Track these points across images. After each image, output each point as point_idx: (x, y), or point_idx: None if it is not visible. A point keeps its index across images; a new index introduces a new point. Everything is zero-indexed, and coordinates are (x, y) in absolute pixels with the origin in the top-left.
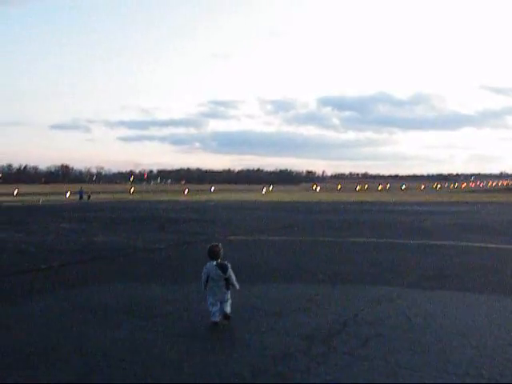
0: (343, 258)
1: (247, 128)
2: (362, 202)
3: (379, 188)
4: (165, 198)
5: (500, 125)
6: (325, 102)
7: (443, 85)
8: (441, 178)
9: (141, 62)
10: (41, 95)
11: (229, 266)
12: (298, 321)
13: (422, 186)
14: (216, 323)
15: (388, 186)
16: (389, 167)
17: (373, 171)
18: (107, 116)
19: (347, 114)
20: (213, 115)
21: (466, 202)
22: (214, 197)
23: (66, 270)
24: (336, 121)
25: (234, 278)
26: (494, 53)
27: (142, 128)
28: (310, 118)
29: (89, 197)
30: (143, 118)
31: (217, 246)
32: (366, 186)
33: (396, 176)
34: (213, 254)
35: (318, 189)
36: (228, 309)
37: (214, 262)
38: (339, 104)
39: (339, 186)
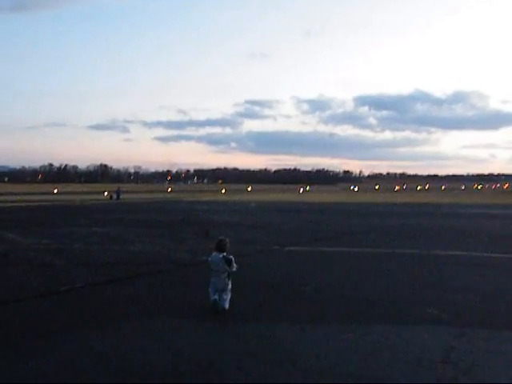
0: (447, 280)
1: (283, 128)
2: (412, 204)
3: (418, 188)
4: (203, 198)
5: None
6: (362, 101)
7: (484, 82)
8: (481, 178)
9: (177, 63)
10: (79, 96)
11: (233, 259)
12: None
13: (462, 187)
14: (215, 300)
15: (427, 186)
16: (427, 167)
17: (411, 171)
18: (144, 116)
19: (384, 113)
20: (249, 115)
21: None
22: (253, 197)
23: (89, 295)
24: (373, 120)
25: (236, 267)
26: None
27: (178, 128)
28: (347, 118)
29: (118, 196)
30: (180, 118)
31: (224, 239)
32: (405, 186)
33: (435, 176)
34: (220, 247)
35: (356, 189)
36: (226, 304)
37: (221, 255)
38: (376, 103)
39: (377, 186)
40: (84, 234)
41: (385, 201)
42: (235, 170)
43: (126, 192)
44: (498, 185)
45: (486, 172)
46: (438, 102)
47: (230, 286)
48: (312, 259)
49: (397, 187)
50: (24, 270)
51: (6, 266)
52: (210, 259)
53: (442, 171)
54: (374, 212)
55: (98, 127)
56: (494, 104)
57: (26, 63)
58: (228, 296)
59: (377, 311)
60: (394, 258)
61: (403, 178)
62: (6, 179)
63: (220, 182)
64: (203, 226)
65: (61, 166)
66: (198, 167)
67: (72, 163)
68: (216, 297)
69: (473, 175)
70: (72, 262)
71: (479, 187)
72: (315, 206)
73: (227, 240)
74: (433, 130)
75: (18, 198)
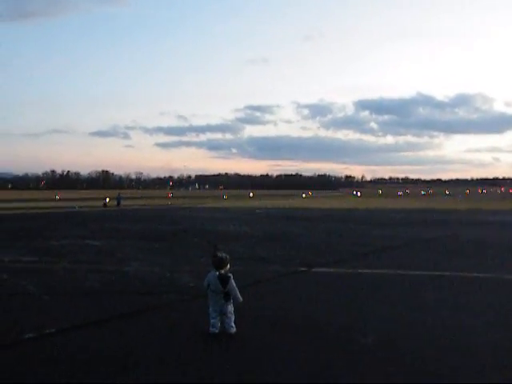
0: None
1: (284, 133)
2: (429, 211)
3: (422, 193)
4: (205, 204)
5: None
6: (363, 105)
7: (487, 84)
8: (485, 182)
9: (177, 69)
10: (81, 103)
11: (231, 277)
12: None
13: (467, 191)
14: (214, 334)
15: (431, 191)
16: (430, 172)
17: (414, 176)
18: (145, 122)
19: (386, 117)
20: (249, 120)
21: None
22: (256, 203)
23: (56, 347)
24: (374, 125)
25: (235, 290)
26: None
27: (179, 134)
28: (348, 122)
29: (118, 203)
30: (180, 124)
31: (220, 256)
32: (407, 190)
33: (438, 180)
34: (217, 264)
35: (359, 194)
36: (231, 328)
37: (217, 273)
38: (377, 107)
39: (380, 191)
40: (74, 249)
41: (397, 207)
42: (236, 175)
43: (127, 198)
44: (503, 189)
45: (491, 176)
46: (441, 106)
47: (230, 309)
48: (355, 288)
49: (399, 192)
50: None
51: None
52: (206, 279)
53: (446, 175)
54: (394, 220)
55: (100, 134)
56: (498, 107)
57: (27, 71)
58: (231, 319)
59: None
60: (463, 286)
61: (406, 182)
62: (10, 186)
63: (221, 187)
64: (209, 238)
65: (63, 172)
66: (198, 173)
67: (74, 170)
68: (215, 321)
69: (477, 179)
70: (49, 290)
71: (484, 191)
72: (326, 213)
73: (224, 255)
74: (435, 133)
75: (17, 205)
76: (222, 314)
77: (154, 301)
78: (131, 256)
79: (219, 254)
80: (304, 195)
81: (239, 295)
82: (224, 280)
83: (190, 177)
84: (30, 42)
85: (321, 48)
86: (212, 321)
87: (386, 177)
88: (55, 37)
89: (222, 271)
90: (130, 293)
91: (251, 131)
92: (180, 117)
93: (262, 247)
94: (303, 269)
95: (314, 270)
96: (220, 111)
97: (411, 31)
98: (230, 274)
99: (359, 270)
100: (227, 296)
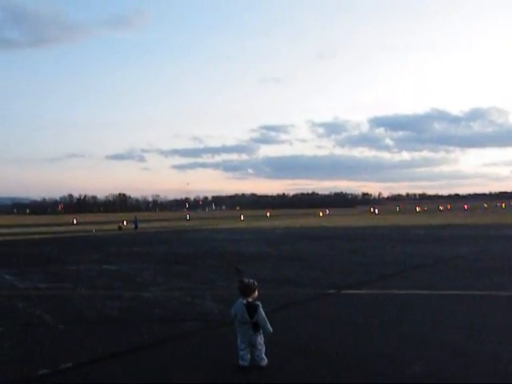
0: None
1: (299, 152)
2: (451, 226)
3: (440, 208)
4: (223, 225)
5: None
6: (377, 122)
7: (502, 98)
8: (504, 196)
9: (191, 91)
10: (97, 127)
11: (259, 306)
12: None
13: (485, 205)
14: (244, 368)
15: (449, 206)
16: (447, 187)
17: (431, 191)
18: (161, 145)
19: (401, 133)
20: (264, 140)
21: None
22: (274, 223)
23: None
24: (389, 141)
25: (265, 320)
26: None
27: (194, 155)
28: (363, 140)
29: (135, 225)
30: (196, 145)
31: (247, 281)
32: (426, 207)
33: (456, 196)
34: (243, 290)
35: (377, 211)
36: (262, 361)
37: (245, 301)
38: (392, 124)
39: (398, 208)
40: (92, 274)
41: (418, 223)
42: (253, 195)
43: (143, 221)
44: None
45: (509, 190)
46: (456, 120)
47: (260, 340)
48: (390, 311)
49: (418, 208)
50: (0, 333)
51: None
52: (233, 308)
53: (463, 190)
54: (417, 236)
55: (116, 157)
56: None
57: (44, 96)
58: (261, 350)
59: None
60: (509, 306)
61: (423, 198)
62: (28, 211)
63: (238, 208)
64: (229, 259)
65: (80, 196)
66: (215, 194)
67: (91, 193)
68: (244, 353)
69: (495, 193)
70: (65, 320)
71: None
72: (346, 232)
73: (252, 281)
74: (451, 148)
75: (34, 230)
76: (251, 345)
77: (176, 329)
78: (150, 280)
79: (245, 280)
80: (321, 213)
81: (269, 326)
82: (252, 309)
83: (206, 198)
84: (46, 67)
85: (334, 66)
86: (241, 353)
87: (403, 193)
88: (71, 62)
89: (250, 299)
90: (151, 321)
91: (266, 151)
92: (195, 138)
93: (285, 268)
94: (332, 291)
95: (343, 291)
96: (235, 132)
97: (423, 46)
98: (259, 303)
99: (391, 291)
100: (256, 326)
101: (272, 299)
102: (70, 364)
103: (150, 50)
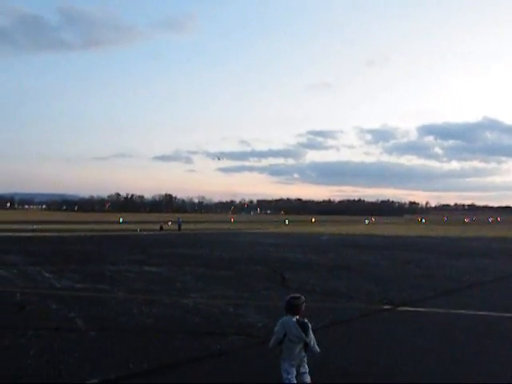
0: None
1: (346, 158)
2: (507, 239)
3: (489, 220)
4: (267, 229)
5: None
6: (426, 130)
7: None
8: None
9: (240, 94)
10: (146, 129)
11: (309, 325)
12: None
13: None
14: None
15: (498, 218)
16: (498, 198)
17: (480, 203)
18: (208, 147)
19: (451, 142)
20: (311, 146)
21: None
22: (319, 229)
23: None
24: (439, 150)
25: (314, 339)
26: None
27: (241, 159)
28: (411, 148)
29: (179, 227)
30: (243, 149)
31: (299, 298)
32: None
33: (507, 208)
34: (293, 309)
35: (425, 220)
36: (307, 379)
37: (294, 319)
38: (442, 132)
39: (445, 218)
40: (131, 276)
41: (469, 234)
42: (298, 200)
43: (188, 222)
44: None
45: None
46: (509, 130)
47: (306, 361)
48: (454, 334)
49: (466, 219)
50: (28, 338)
51: (15, 328)
52: (280, 325)
53: None
54: (472, 249)
55: (164, 158)
56: None
57: (94, 97)
58: (307, 369)
59: None
60: None
61: (472, 209)
62: (76, 208)
63: (283, 212)
64: (274, 266)
65: (127, 195)
66: (260, 198)
67: (138, 193)
68: (292, 376)
69: None
70: (97, 326)
71: None
72: (394, 241)
73: (302, 299)
74: (503, 159)
75: (79, 227)
76: (300, 366)
77: (216, 344)
78: (191, 286)
79: (301, 299)
80: (367, 221)
81: (317, 346)
82: (304, 327)
83: (251, 201)
84: (98, 69)
85: (384, 72)
86: (288, 376)
87: (452, 203)
88: (122, 63)
89: (298, 316)
90: (188, 332)
91: (313, 156)
92: (242, 142)
93: (333, 278)
94: (387, 307)
95: (399, 308)
96: (282, 136)
97: (476, 54)
98: (307, 320)
99: (453, 311)
100: (306, 346)
101: (320, 314)
102: (96, 381)
103: (200, 53)
